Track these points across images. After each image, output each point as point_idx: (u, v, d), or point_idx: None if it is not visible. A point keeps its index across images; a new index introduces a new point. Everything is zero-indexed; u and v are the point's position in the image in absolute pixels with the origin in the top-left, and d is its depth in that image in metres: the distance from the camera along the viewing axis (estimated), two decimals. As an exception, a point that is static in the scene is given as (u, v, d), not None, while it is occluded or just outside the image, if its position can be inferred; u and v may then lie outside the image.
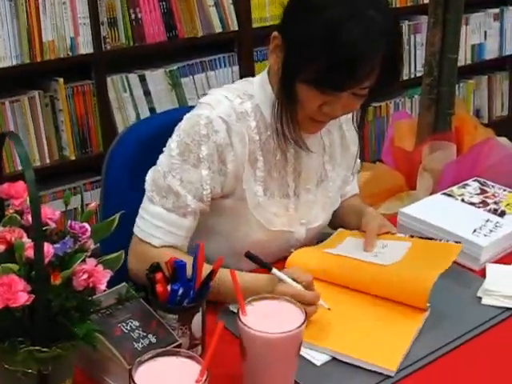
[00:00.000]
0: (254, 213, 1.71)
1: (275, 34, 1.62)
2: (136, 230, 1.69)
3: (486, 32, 5.13)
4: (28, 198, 1.22)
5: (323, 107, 1.60)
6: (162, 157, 1.68)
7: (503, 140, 3.12)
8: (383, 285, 1.62)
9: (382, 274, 1.63)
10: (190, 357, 1.16)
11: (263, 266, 1.57)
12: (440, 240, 1.78)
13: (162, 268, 1.41)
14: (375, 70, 1.55)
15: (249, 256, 1.58)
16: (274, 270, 1.54)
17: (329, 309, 1.52)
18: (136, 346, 1.30)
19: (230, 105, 1.67)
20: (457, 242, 1.76)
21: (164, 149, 1.69)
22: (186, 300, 1.40)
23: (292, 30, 1.58)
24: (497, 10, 5.14)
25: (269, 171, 1.72)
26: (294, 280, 1.52)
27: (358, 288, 1.65)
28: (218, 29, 3.65)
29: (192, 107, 1.75)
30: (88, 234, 1.22)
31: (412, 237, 1.81)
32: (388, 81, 1.61)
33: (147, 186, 1.68)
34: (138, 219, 1.70)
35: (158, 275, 1.38)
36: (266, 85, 1.71)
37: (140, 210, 1.69)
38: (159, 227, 1.65)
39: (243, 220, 1.72)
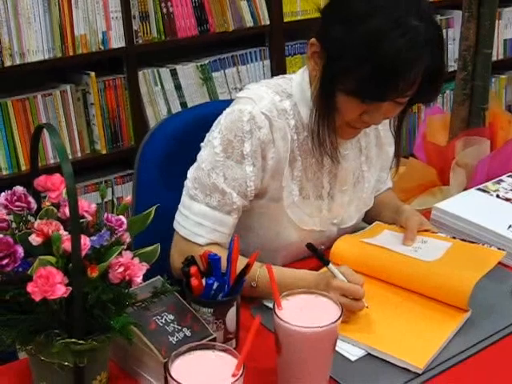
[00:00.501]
0: (287, 211, 1.70)
1: (313, 40, 1.60)
2: (178, 227, 1.67)
3: (518, 27, 5.08)
4: (64, 191, 1.22)
5: (363, 115, 1.59)
6: (203, 154, 1.65)
7: (537, 135, 3.08)
8: (423, 282, 1.61)
9: (422, 270, 1.62)
10: (225, 350, 1.16)
11: (322, 259, 1.56)
12: (483, 244, 1.76)
13: (197, 262, 1.41)
14: (418, 80, 1.53)
15: (310, 247, 1.57)
16: (331, 266, 1.54)
17: (367, 307, 1.51)
18: (171, 339, 1.30)
19: (271, 101, 1.65)
20: (499, 249, 1.74)
21: (202, 144, 1.67)
22: (220, 294, 1.40)
23: (332, 38, 1.54)
24: (530, 4, 5.08)
25: (305, 171, 1.71)
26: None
27: (398, 283, 1.64)
28: (250, 23, 3.64)
29: (223, 101, 1.74)
30: (124, 226, 1.22)
31: (454, 238, 1.79)
32: (429, 89, 1.60)
33: (189, 183, 1.65)
34: (179, 217, 1.67)
35: (193, 269, 1.38)
36: (306, 86, 1.68)
37: (181, 208, 1.67)
38: (204, 225, 1.63)
39: (276, 219, 1.71)
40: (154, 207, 1.32)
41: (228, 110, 1.66)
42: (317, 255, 1.58)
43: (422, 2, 1.54)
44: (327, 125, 1.62)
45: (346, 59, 1.50)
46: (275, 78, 1.78)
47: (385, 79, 1.49)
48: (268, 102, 1.64)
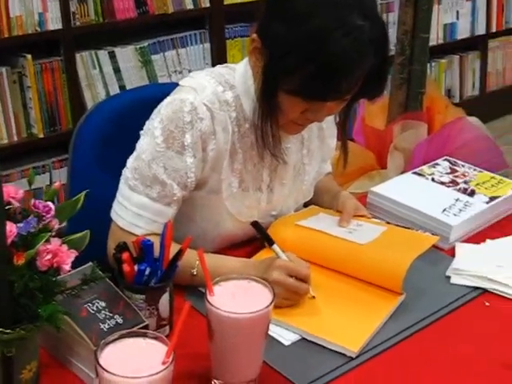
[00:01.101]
0: (226, 203, 1.68)
1: (254, 36, 1.56)
2: (116, 217, 1.63)
3: (458, 11, 5.14)
4: (-10, 177, 1.20)
5: (306, 113, 1.57)
6: (144, 143, 1.61)
7: (474, 120, 3.13)
8: (358, 264, 1.62)
9: (357, 253, 1.63)
10: (156, 338, 1.14)
11: (267, 239, 1.56)
12: (417, 230, 1.78)
13: (129, 248, 1.40)
14: (361, 79, 1.51)
15: (256, 226, 1.58)
16: (275, 246, 1.54)
17: (313, 297, 1.51)
18: (102, 326, 1.29)
19: (214, 91, 1.62)
20: (433, 234, 1.76)
21: (141, 132, 1.63)
22: (153, 280, 1.39)
23: (274, 36, 1.51)
24: (469, -10, 5.15)
25: (245, 164, 1.69)
26: None
27: (333, 266, 1.64)
28: (190, 5, 3.62)
29: (162, 85, 1.72)
30: (52, 213, 1.20)
31: (388, 223, 1.80)
32: (374, 86, 1.59)
33: (128, 173, 1.61)
34: (117, 207, 1.63)
35: (125, 255, 1.37)
36: (249, 78, 1.65)
37: (119, 198, 1.63)
38: (143, 217, 1.60)
39: (215, 211, 1.69)
40: (84, 193, 1.30)
41: (169, 98, 1.62)
42: (262, 235, 1.58)
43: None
44: (271, 123, 1.60)
45: (289, 58, 1.47)
46: (218, 66, 1.74)
47: (328, 79, 1.47)
48: (210, 92, 1.61)
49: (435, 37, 4.93)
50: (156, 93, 1.71)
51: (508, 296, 1.62)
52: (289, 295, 1.48)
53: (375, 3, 1.58)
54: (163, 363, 1.09)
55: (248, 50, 1.61)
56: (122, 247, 1.39)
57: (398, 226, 1.79)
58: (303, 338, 1.44)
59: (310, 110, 1.57)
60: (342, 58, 1.44)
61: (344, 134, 1.77)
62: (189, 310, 1.17)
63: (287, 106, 1.55)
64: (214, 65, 3.70)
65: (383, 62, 1.54)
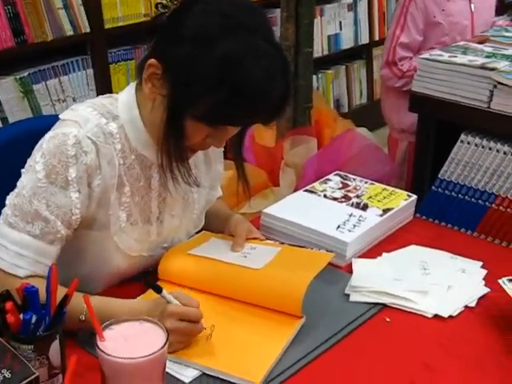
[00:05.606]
0: (114, 238, 1.61)
1: (152, 61, 1.48)
2: None
3: (340, 22, 5.22)
4: None
5: (207, 139, 1.53)
6: (24, 179, 1.52)
7: (362, 130, 3.16)
8: (255, 291, 1.58)
9: (253, 279, 1.60)
10: (45, 393, 1.08)
11: (154, 288, 1.49)
12: (312, 248, 1.76)
13: (13, 296, 1.32)
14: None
15: (146, 283, 1.53)
16: (164, 292, 1.47)
17: (204, 328, 1.46)
18: (-12, 384, 1.21)
19: (98, 124, 1.54)
20: (328, 251, 1.74)
21: (23, 170, 1.54)
22: (40, 328, 1.32)
23: (179, 63, 1.44)
24: (350, 1, 5.27)
25: (133, 197, 1.63)
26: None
27: (230, 295, 1.60)
28: (69, 31, 3.54)
29: (47, 117, 1.64)
30: None
31: (282, 243, 1.78)
32: (276, 113, 1.55)
33: (7, 210, 1.52)
34: None
35: (8, 304, 1.29)
36: (134, 107, 1.58)
37: None
38: (24, 256, 1.51)
39: (104, 247, 1.62)
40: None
41: (51, 133, 1.54)
42: (148, 285, 1.53)
43: (268, 25, 1.49)
44: (178, 151, 1.53)
45: (197, 84, 1.42)
46: (101, 97, 1.66)
47: (241, 107, 1.43)
48: (94, 125, 1.54)
49: (320, 48, 4.99)
50: (40, 125, 1.63)
51: (408, 309, 1.63)
52: (184, 339, 1.44)
53: (272, 27, 1.55)
54: (53, 421, 1.03)
55: (144, 76, 1.52)
56: (5, 296, 1.31)
57: (291, 245, 1.77)
58: (204, 374, 1.40)
59: (212, 135, 1.53)
60: (255, 86, 1.40)
61: (241, 155, 1.72)
62: (80, 355, 1.11)
63: (191, 131, 1.50)
64: (98, 91, 3.65)
65: (289, 88, 1.51)
